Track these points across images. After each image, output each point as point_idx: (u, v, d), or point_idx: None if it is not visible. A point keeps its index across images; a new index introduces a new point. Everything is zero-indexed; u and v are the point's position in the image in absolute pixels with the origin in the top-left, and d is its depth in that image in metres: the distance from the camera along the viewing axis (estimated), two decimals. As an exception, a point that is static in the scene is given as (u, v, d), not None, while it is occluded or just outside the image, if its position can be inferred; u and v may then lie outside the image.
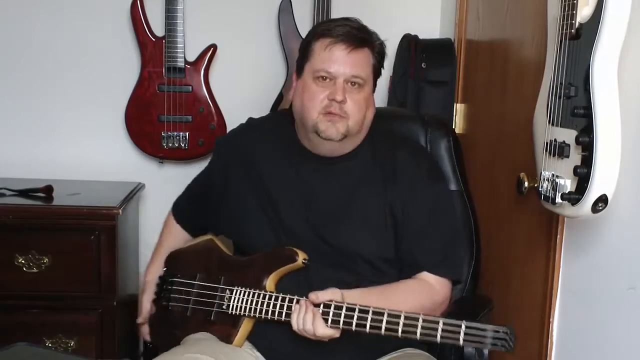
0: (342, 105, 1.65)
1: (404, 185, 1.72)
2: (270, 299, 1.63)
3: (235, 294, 1.68)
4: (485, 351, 1.85)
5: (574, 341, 1.73)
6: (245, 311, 1.66)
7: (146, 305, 1.90)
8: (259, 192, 1.77)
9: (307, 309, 1.53)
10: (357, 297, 1.56)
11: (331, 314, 1.50)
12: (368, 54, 1.70)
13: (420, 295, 1.68)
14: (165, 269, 1.88)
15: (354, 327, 1.48)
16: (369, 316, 1.47)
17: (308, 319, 1.52)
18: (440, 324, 1.40)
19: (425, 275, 1.71)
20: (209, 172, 1.93)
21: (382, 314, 1.46)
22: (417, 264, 1.71)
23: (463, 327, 1.37)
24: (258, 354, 1.70)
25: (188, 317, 1.77)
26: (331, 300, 1.52)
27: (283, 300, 1.60)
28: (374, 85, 1.76)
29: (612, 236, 1.58)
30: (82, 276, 2.20)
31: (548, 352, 1.79)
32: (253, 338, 1.72)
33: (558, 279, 1.77)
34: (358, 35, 1.68)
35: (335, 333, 1.52)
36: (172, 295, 1.81)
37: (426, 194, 1.73)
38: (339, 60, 1.66)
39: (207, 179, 1.93)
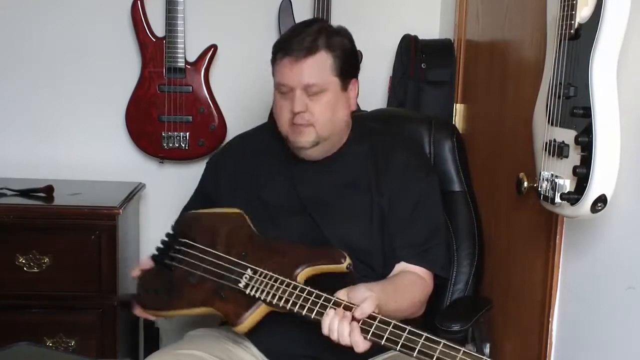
0: (304, 114, 1.67)
1: (393, 179, 1.74)
2: (300, 291, 1.48)
3: (259, 275, 1.55)
4: (487, 350, 1.87)
5: (573, 341, 1.74)
6: (265, 295, 1.51)
7: (146, 260, 1.76)
8: (251, 199, 1.77)
9: (343, 318, 1.41)
10: (383, 298, 1.48)
11: (374, 327, 1.37)
12: (323, 57, 1.67)
13: (414, 292, 1.68)
14: (176, 225, 1.77)
15: (383, 342, 1.37)
16: (404, 334, 1.35)
17: (345, 330, 1.40)
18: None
19: (414, 268, 1.71)
20: (201, 188, 1.93)
21: (420, 337, 1.34)
22: (396, 255, 1.71)
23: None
24: (258, 352, 1.70)
25: (191, 284, 1.62)
26: (376, 314, 1.40)
27: (317, 297, 1.46)
28: (346, 82, 1.72)
29: (611, 236, 1.59)
30: (83, 276, 2.20)
31: (548, 352, 1.79)
32: (253, 336, 1.71)
33: (557, 279, 1.77)
34: (305, 43, 1.66)
35: (370, 345, 1.41)
36: (178, 255, 1.68)
37: (413, 188, 1.75)
38: (292, 71, 1.67)
39: (200, 194, 1.92)
